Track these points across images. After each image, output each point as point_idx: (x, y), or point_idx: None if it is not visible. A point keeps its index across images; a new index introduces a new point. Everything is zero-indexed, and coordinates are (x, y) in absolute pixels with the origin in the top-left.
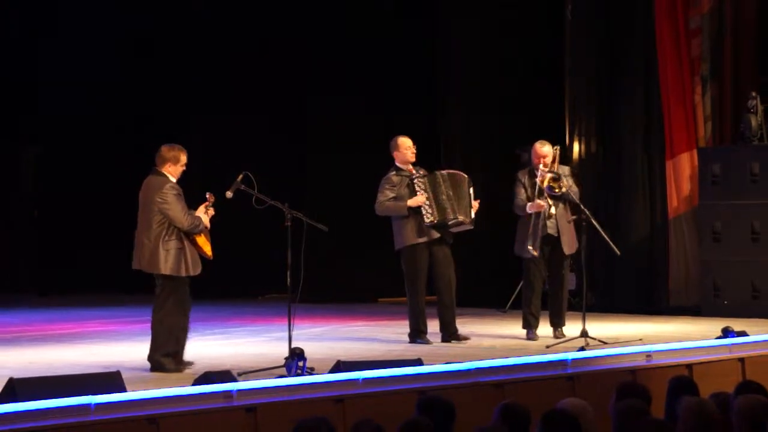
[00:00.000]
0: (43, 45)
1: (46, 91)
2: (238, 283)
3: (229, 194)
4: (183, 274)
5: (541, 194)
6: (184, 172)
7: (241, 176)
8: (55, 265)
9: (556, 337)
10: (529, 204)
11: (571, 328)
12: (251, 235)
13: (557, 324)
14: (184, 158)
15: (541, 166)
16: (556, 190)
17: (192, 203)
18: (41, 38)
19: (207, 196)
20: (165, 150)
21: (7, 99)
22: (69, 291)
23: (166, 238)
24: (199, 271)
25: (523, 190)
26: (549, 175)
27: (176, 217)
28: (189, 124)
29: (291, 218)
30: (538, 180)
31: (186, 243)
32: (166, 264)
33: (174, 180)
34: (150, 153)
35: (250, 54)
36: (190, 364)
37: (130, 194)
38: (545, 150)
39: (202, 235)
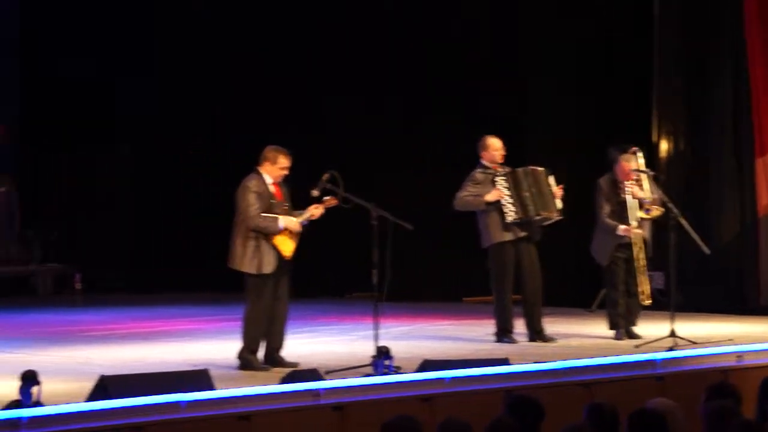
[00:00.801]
0: (127, 44)
1: (132, 91)
2: (325, 281)
3: (315, 193)
4: (255, 271)
5: (625, 210)
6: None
7: (327, 175)
8: (144, 263)
9: (630, 337)
10: (621, 228)
11: (660, 328)
12: (338, 234)
13: (630, 323)
14: (283, 161)
15: (627, 183)
16: (651, 215)
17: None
18: (124, 37)
19: (325, 198)
20: (267, 149)
21: (95, 100)
22: (158, 289)
23: (246, 235)
24: (271, 269)
25: (607, 205)
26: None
27: (246, 214)
28: (277, 124)
29: (377, 217)
30: (627, 196)
31: (263, 241)
32: (243, 261)
33: (270, 180)
34: (241, 153)
35: (332, 52)
36: (286, 364)
37: (219, 193)
38: (632, 165)
39: (285, 234)
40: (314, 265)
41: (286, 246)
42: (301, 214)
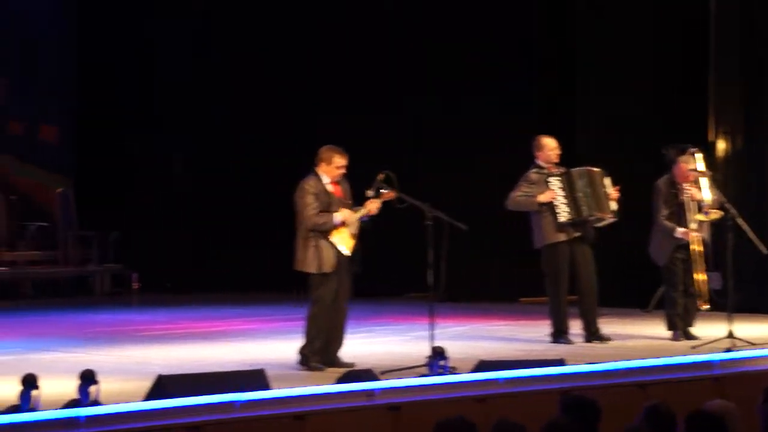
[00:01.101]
0: (179, 45)
1: (192, 94)
2: (380, 282)
3: (370, 193)
4: (316, 270)
5: (684, 212)
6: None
7: (382, 175)
8: (201, 263)
9: (687, 338)
10: (680, 230)
11: (717, 328)
12: (393, 235)
13: (688, 324)
14: (338, 160)
15: (686, 185)
16: (709, 217)
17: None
18: (178, 39)
19: (382, 191)
20: (321, 150)
21: (154, 102)
22: (215, 290)
23: (306, 236)
24: (330, 268)
25: (665, 207)
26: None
27: (302, 213)
28: (339, 124)
29: (432, 217)
30: (686, 198)
31: (321, 240)
32: (304, 262)
33: (328, 180)
34: (299, 154)
35: (390, 51)
36: (342, 364)
37: (276, 193)
38: (691, 166)
39: (343, 230)
40: (370, 265)
41: (345, 242)
42: (358, 210)
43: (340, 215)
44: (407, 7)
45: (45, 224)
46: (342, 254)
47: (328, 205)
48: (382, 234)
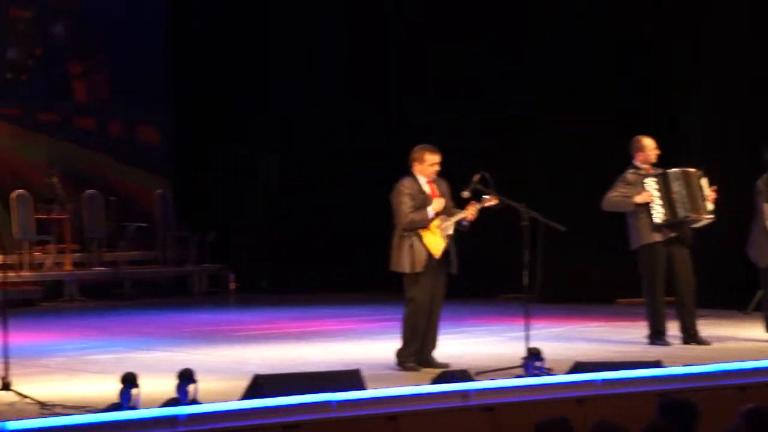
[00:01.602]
0: (277, 47)
1: (282, 93)
2: (475, 282)
3: (466, 194)
4: (409, 270)
5: None
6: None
7: (478, 176)
8: (297, 263)
9: None
10: None
11: None
12: (489, 235)
13: None
14: (430, 157)
15: None
16: None
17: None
18: (273, 40)
19: (484, 197)
20: (414, 150)
21: (244, 102)
22: (311, 290)
23: (402, 235)
24: (422, 268)
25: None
26: None
27: (398, 213)
28: (429, 124)
29: (528, 218)
30: None
31: (415, 240)
32: (399, 261)
33: (424, 179)
34: (397, 153)
35: (485, 50)
36: (437, 365)
37: (372, 192)
38: None
39: (436, 232)
40: (465, 266)
41: (436, 245)
42: (457, 213)
43: (432, 207)
44: (505, 6)
45: (144, 225)
46: (432, 256)
47: (423, 205)
48: (478, 235)
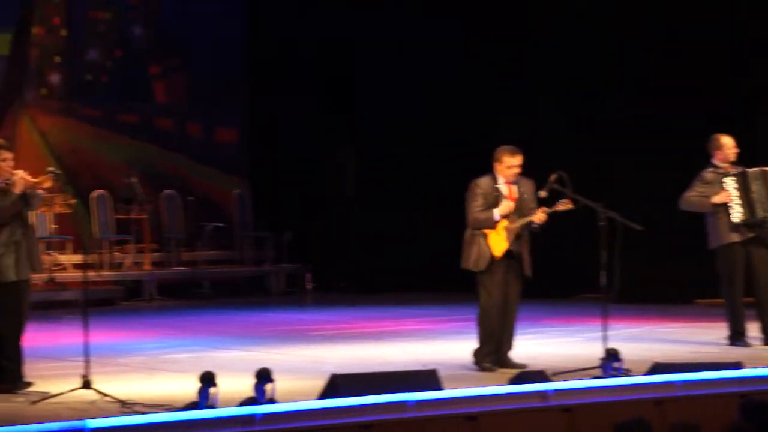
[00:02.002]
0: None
1: (359, 93)
2: (552, 282)
3: (542, 194)
4: (473, 268)
5: None
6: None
7: (554, 176)
8: (374, 263)
9: None
10: None
11: None
12: (566, 235)
13: None
14: (507, 159)
15: None
16: None
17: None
18: (358, 39)
19: (559, 201)
20: (496, 150)
21: (326, 100)
22: (388, 289)
23: (472, 233)
24: (483, 267)
25: None
26: None
27: (468, 213)
28: (505, 124)
29: (606, 218)
30: None
31: (481, 239)
32: (467, 260)
33: (503, 180)
34: (474, 153)
35: (555, 52)
36: (515, 365)
37: (446, 192)
38: None
39: (502, 233)
40: (542, 265)
41: (498, 245)
42: (526, 216)
43: (498, 209)
44: (598, 8)
45: (221, 225)
46: (503, 255)
47: (494, 206)
48: (555, 234)
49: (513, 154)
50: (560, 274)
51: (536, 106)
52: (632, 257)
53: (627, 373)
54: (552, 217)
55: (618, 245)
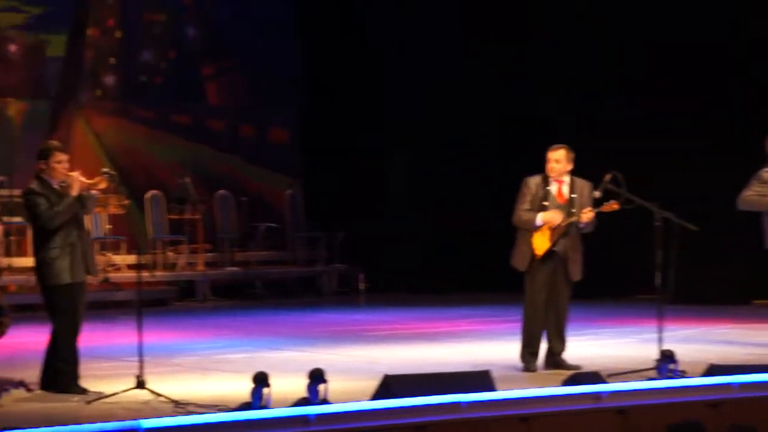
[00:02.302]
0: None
1: (416, 94)
2: (606, 283)
3: (597, 194)
4: (515, 266)
5: None
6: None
7: (609, 176)
8: (426, 264)
9: None
10: None
11: None
12: (620, 235)
13: None
14: (548, 154)
15: None
16: None
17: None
18: (411, 39)
19: (605, 203)
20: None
21: (377, 100)
22: (441, 290)
23: (520, 232)
24: (523, 267)
25: None
26: None
27: (515, 211)
28: (556, 124)
29: (661, 218)
30: None
31: (526, 238)
32: (513, 258)
33: (551, 178)
34: (522, 154)
35: (617, 50)
36: (568, 366)
37: (501, 192)
38: None
39: (545, 233)
40: (595, 266)
41: (540, 245)
42: (572, 216)
43: (541, 216)
44: (634, 6)
45: (274, 225)
46: (545, 256)
47: (540, 205)
48: (609, 235)
49: (553, 149)
50: (615, 275)
51: (598, 106)
52: (688, 258)
53: (682, 374)
54: (607, 217)
55: (673, 246)
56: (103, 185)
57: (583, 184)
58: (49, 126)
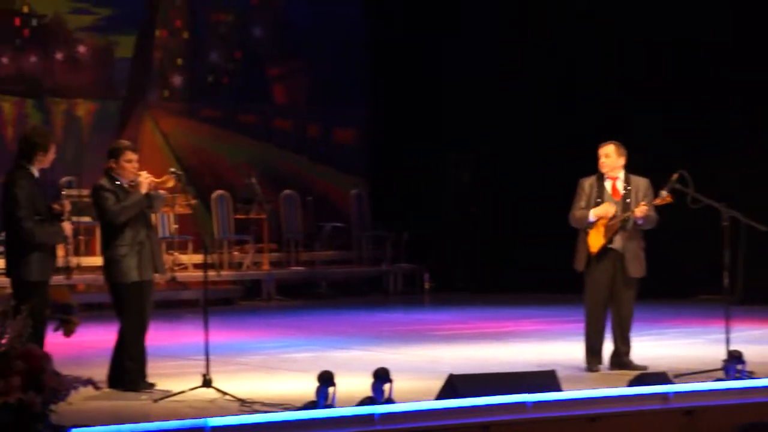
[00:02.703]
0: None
1: (479, 95)
2: (673, 283)
3: (663, 193)
4: (576, 267)
5: None
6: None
7: (676, 176)
8: (491, 264)
9: None
10: None
11: None
12: (686, 235)
13: None
14: (599, 151)
15: None
16: None
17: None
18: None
19: (660, 194)
20: None
21: (442, 100)
22: (505, 290)
23: (578, 233)
24: (580, 267)
25: None
26: None
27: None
28: (623, 123)
29: (728, 218)
30: None
31: (583, 237)
32: (575, 259)
33: (605, 176)
34: (581, 152)
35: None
36: (634, 367)
37: (564, 193)
38: None
39: (600, 230)
40: (661, 266)
41: (595, 242)
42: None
43: (593, 211)
44: (694, 5)
45: (339, 225)
46: (601, 254)
47: (596, 203)
48: (676, 235)
49: (601, 145)
50: (682, 275)
51: (662, 105)
52: (755, 258)
53: (750, 375)
54: (674, 217)
55: (741, 245)
56: (170, 184)
57: (638, 181)
58: (118, 126)
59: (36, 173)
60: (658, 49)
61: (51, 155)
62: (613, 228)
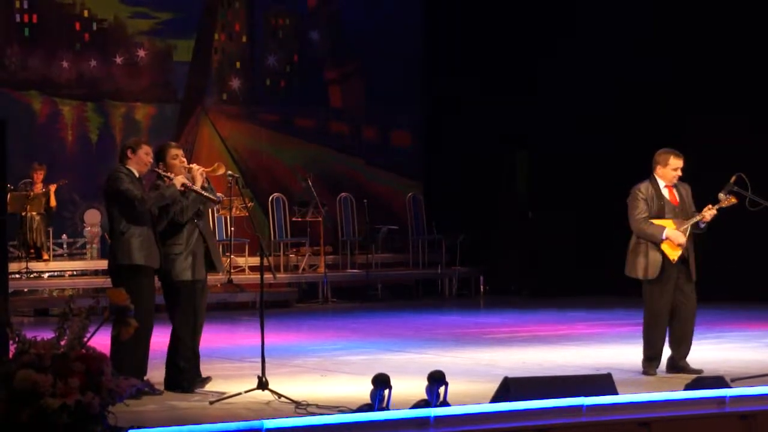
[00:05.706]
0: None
1: (536, 95)
2: (732, 286)
3: (722, 196)
4: (642, 275)
5: None
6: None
7: (734, 178)
8: (546, 266)
9: None
10: None
11: None
12: (744, 237)
13: None
14: (673, 161)
15: None
16: None
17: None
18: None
19: (720, 197)
20: (657, 153)
21: (499, 104)
22: (560, 293)
23: (636, 240)
24: (655, 274)
25: None
26: None
27: (631, 219)
28: (684, 124)
29: None
30: None
31: (650, 245)
32: (632, 267)
33: (663, 183)
34: (641, 154)
35: (742, 52)
36: (691, 371)
37: (619, 195)
38: None
39: (672, 240)
40: (721, 269)
41: (673, 250)
42: (692, 218)
43: (667, 233)
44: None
45: (395, 227)
46: (669, 262)
47: (659, 211)
48: (735, 238)
49: (678, 156)
50: (740, 278)
51: (718, 107)
52: None
53: None
54: (733, 221)
55: None
56: (221, 170)
57: (683, 185)
58: (176, 129)
59: (135, 172)
60: (709, 52)
61: (142, 155)
62: (684, 234)
